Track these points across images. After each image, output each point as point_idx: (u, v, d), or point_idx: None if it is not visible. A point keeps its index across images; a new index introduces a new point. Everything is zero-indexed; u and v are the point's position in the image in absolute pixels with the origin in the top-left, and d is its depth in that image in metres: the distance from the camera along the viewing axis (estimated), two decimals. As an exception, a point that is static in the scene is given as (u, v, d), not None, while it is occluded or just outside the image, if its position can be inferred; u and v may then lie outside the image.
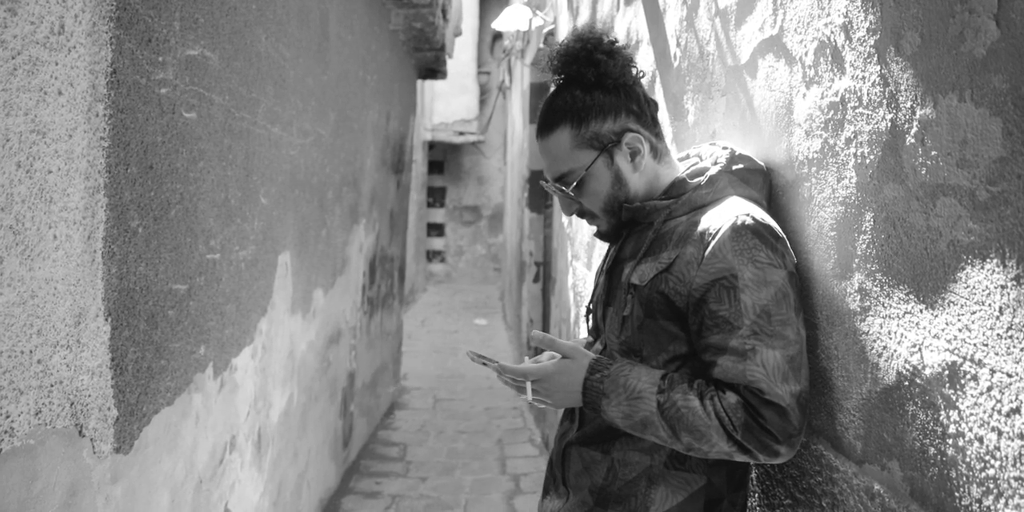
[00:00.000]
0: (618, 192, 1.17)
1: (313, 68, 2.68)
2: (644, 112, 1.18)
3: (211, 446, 1.90)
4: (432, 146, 12.06)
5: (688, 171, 1.21)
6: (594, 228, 1.31)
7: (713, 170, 1.17)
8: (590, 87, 1.15)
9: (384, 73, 4.21)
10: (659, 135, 1.21)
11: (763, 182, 1.20)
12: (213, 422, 1.90)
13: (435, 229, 12.72)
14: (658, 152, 1.20)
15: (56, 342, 1.15)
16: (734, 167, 1.18)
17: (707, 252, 1.04)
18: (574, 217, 2.81)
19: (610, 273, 1.22)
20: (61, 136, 1.12)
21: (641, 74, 1.20)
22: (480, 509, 3.51)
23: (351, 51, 3.33)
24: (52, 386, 1.14)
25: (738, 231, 1.03)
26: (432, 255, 12.72)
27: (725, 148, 1.23)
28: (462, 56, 10.52)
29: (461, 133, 11.30)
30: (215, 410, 1.91)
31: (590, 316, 1.32)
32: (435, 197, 12.67)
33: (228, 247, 1.92)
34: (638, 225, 1.21)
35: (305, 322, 2.86)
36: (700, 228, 1.08)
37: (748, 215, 1.05)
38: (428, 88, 10.16)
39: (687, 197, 1.15)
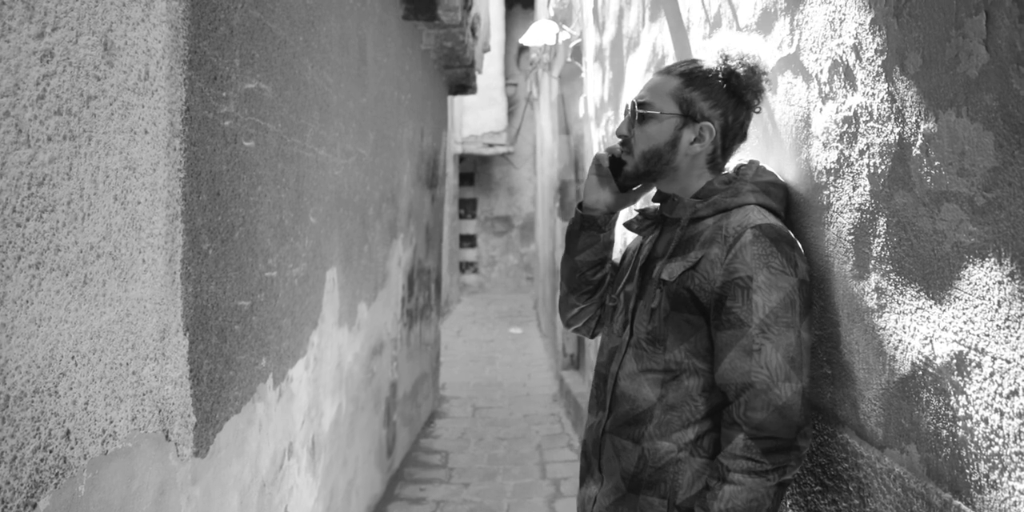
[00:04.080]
0: (666, 152, 1.29)
1: (353, 92, 2.83)
2: (731, 128, 1.29)
3: (272, 452, 2.03)
4: (462, 158, 12.24)
5: (717, 178, 1.32)
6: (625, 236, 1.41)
7: (739, 179, 1.29)
8: (720, 76, 1.27)
9: (417, 91, 4.36)
10: (726, 153, 1.32)
11: (783, 195, 1.31)
12: (273, 429, 2.03)
13: (467, 240, 12.87)
14: (714, 161, 1.32)
15: (146, 355, 1.28)
16: (757, 179, 1.29)
17: (730, 254, 1.17)
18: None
19: (643, 270, 1.34)
20: (147, 170, 1.26)
21: (758, 110, 1.32)
22: (524, 513, 3.60)
23: (387, 73, 3.48)
24: (144, 395, 1.27)
25: (758, 238, 1.16)
26: (465, 266, 12.86)
27: (752, 162, 1.35)
28: (489, 69, 10.69)
29: (491, 145, 11.45)
30: (275, 418, 2.04)
31: (612, 308, 1.41)
32: (466, 209, 12.84)
33: (283, 265, 2.05)
34: (668, 223, 1.33)
35: (351, 334, 2.99)
36: (725, 231, 1.20)
37: (769, 224, 1.17)
38: (457, 102, 10.35)
39: (713, 199, 1.27)
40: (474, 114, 11.26)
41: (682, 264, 1.24)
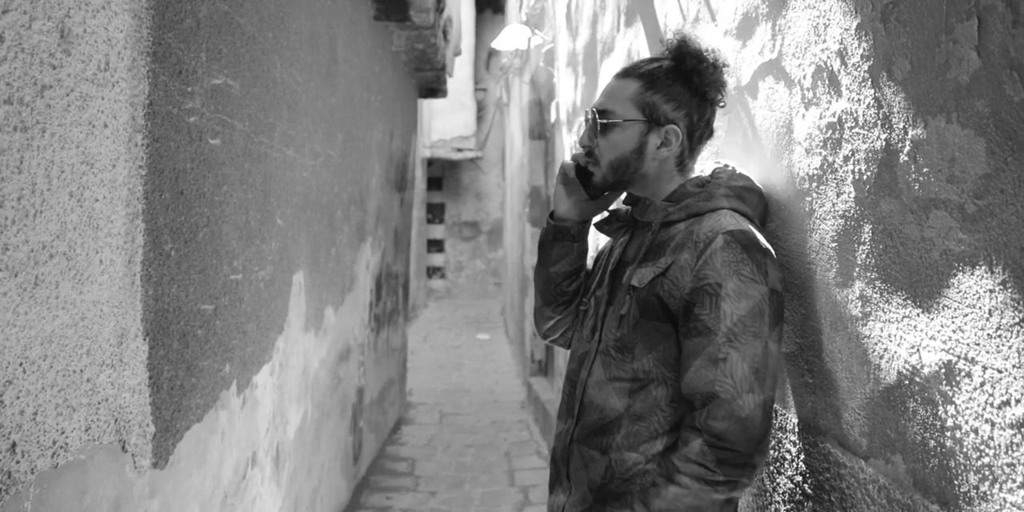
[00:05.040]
0: (633, 160, 1.25)
1: (322, 91, 2.77)
2: (697, 127, 1.26)
3: (235, 461, 1.96)
4: (431, 163, 12.17)
5: (690, 180, 1.29)
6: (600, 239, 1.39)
7: (712, 183, 1.26)
8: (680, 74, 1.23)
9: (387, 93, 4.30)
10: (694, 153, 1.29)
11: (758, 201, 1.27)
12: (237, 438, 1.96)
13: (435, 245, 12.79)
14: (683, 163, 1.28)
15: (102, 361, 1.21)
16: (731, 183, 1.26)
17: (700, 260, 1.13)
18: None
19: (613, 275, 1.31)
20: (106, 166, 1.19)
21: (722, 104, 1.28)
22: (492, 521, 3.55)
23: (357, 73, 3.42)
24: (99, 403, 1.20)
25: (729, 244, 1.12)
26: (432, 271, 12.77)
27: (727, 166, 1.32)
28: (459, 73, 10.65)
29: (459, 149, 11.41)
30: (238, 426, 1.97)
31: (584, 312, 1.39)
32: (434, 213, 12.75)
33: (249, 267, 1.98)
34: (640, 226, 1.31)
35: (317, 339, 2.92)
36: (696, 237, 1.17)
37: (741, 230, 1.14)
38: (426, 106, 10.28)
39: (685, 203, 1.23)
40: (443, 118, 11.20)
41: (652, 270, 1.20)
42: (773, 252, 1.17)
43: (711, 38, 1.25)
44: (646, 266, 1.22)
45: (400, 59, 4.70)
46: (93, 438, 1.19)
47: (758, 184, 1.30)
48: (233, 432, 1.92)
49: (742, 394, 1.07)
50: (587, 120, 1.29)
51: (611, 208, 1.41)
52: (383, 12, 3.67)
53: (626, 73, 1.27)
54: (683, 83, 1.23)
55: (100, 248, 1.19)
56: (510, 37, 4.78)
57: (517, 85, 6.95)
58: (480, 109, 11.88)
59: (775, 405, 1.33)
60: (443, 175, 12.69)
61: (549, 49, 4.46)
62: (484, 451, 4.58)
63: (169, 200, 1.45)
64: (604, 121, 1.24)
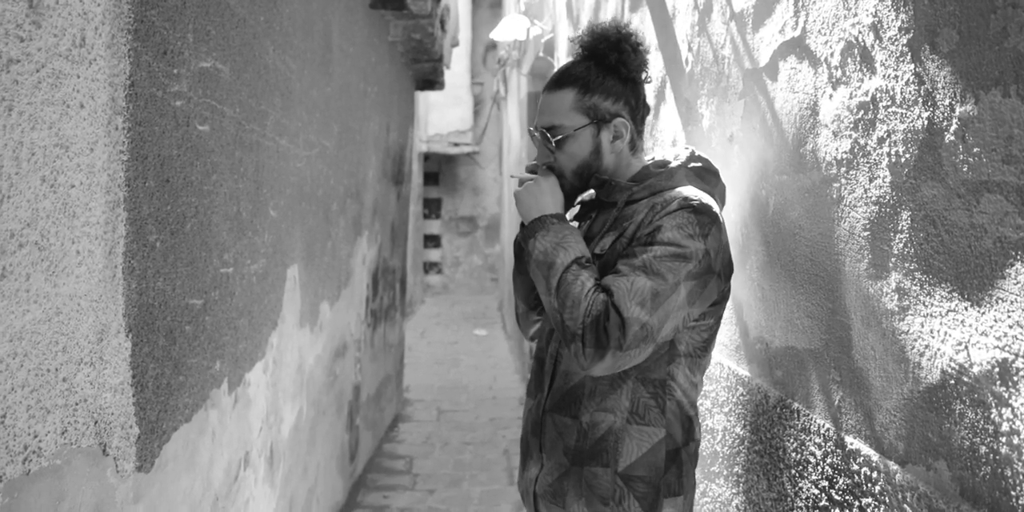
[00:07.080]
0: (593, 161, 1.31)
1: (317, 80, 2.68)
2: (637, 110, 1.33)
3: (226, 463, 1.88)
4: (427, 157, 12.07)
5: (652, 162, 1.35)
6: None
7: (673, 164, 1.32)
8: (607, 68, 1.29)
9: (383, 85, 4.21)
10: (640, 133, 1.36)
11: (716, 181, 1.33)
12: (228, 438, 1.88)
13: (431, 240, 12.69)
14: (635, 146, 1.35)
15: (80, 359, 1.13)
16: (691, 165, 1.31)
17: (654, 217, 1.20)
18: None
19: None
20: (83, 150, 1.11)
21: (648, 80, 1.35)
22: (491, 521, 3.47)
23: (352, 63, 3.33)
24: (77, 404, 1.12)
25: (683, 207, 1.19)
26: (429, 266, 12.69)
27: (687, 148, 1.36)
28: (456, 67, 10.55)
29: (456, 144, 11.31)
30: (230, 426, 1.89)
31: None
32: (431, 208, 12.66)
33: (240, 261, 1.90)
34: (605, 207, 1.35)
35: (313, 335, 2.83)
36: (655, 201, 1.23)
37: (698, 199, 1.20)
38: (422, 100, 10.19)
39: (648, 182, 1.29)
40: (439, 113, 11.10)
41: (613, 236, 1.26)
42: (723, 224, 1.22)
43: (614, 21, 1.31)
44: (609, 235, 1.27)
45: (397, 50, 4.61)
46: (70, 441, 1.11)
47: (715, 165, 1.36)
48: (224, 432, 1.84)
49: (628, 300, 1.12)
50: (535, 138, 1.33)
51: (579, 199, 1.45)
52: (380, 0, 3.58)
53: (557, 84, 1.31)
54: (613, 76, 1.29)
55: (77, 238, 1.10)
56: (509, 28, 4.69)
57: (515, 77, 6.86)
58: (477, 103, 11.78)
59: (796, 405, 1.25)
60: (440, 170, 12.59)
61: (549, 39, 4.37)
62: (483, 448, 4.51)
63: (154, 188, 1.37)
64: (557, 137, 1.29)
